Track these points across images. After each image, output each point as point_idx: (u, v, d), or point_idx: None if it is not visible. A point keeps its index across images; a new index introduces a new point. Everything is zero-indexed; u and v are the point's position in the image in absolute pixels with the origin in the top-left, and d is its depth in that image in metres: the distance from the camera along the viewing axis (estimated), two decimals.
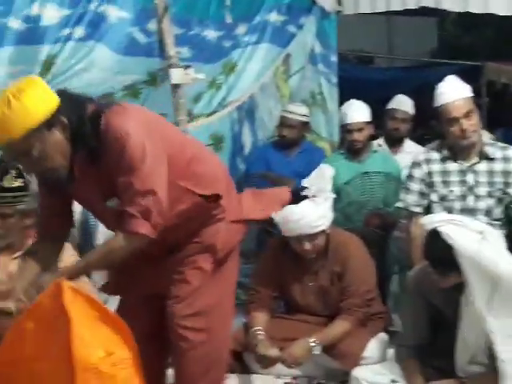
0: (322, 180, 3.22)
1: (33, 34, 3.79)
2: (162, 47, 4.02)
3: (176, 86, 3.99)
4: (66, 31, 3.84)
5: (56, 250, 2.38)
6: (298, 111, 4.59)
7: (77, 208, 2.60)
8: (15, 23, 3.73)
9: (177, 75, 3.95)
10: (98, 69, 3.96)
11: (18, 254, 3.08)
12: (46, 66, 3.84)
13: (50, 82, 3.86)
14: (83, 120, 2.17)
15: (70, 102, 2.19)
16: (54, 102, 2.14)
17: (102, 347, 1.24)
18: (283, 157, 4.60)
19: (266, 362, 3.18)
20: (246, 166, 4.72)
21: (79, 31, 3.88)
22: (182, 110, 4.06)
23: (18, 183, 2.93)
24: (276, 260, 3.40)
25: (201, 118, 4.38)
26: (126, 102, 2.38)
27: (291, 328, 3.34)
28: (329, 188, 3.27)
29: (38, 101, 2.09)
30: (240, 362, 3.38)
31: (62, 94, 2.21)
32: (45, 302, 1.25)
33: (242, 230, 2.55)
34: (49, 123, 2.12)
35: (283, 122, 4.56)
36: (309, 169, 4.48)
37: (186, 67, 4.02)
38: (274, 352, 3.13)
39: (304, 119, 4.61)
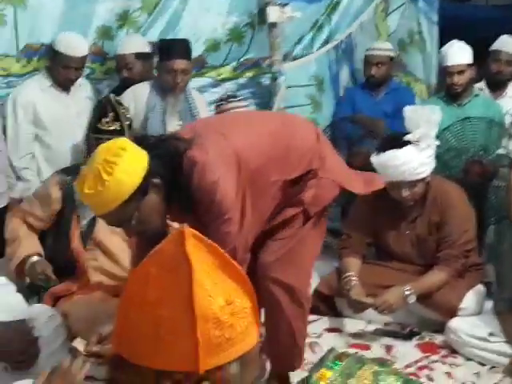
0: (427, 124, 3.09)
1: None
2: None
3: (272, 25, 3.91)
4: None
5: None
6: (384, 47, 4.46)
7: None
8: None
9: (274, 14, 3.87)
10: (200, 9, 3.90)
11: None
12: (147, 4, 3.83)
13: (154, 22, 3.88)
14: (174, 173, 2.13)
15: (158, 155, 2.12)
16: (144, 165, 2.08)
17: (222, 296, 1.23)
18: (370, 98, 4.48)
19: (358, 307, 3.16)
20: (335, 109, 4.61)
21: None
22: (277, 49, 3.99)
23: (114, 126, 2.96)
24: (371, 205, 3.33)
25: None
26: (202, 132, 2.27)
27: (385, 275, 3.30)
28: (434, 134, 3.15)
29: (129, 171, 2.04)
30: (331, 306, 3.39)
31: (146, 145, 2.13)
32: (167, 248, 1.24)
33: (336, 189, 2.51)
34: (143, 190, 2.08)
35: (370, 61, 4.42)
36: (397, 109, 4.38)
37: (284, 5, 3.92)
38: (367, 299, 3.10)
39: (391, 54, 4.48)
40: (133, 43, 3.85)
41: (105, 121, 2.96)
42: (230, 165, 2.20)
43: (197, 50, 3.89)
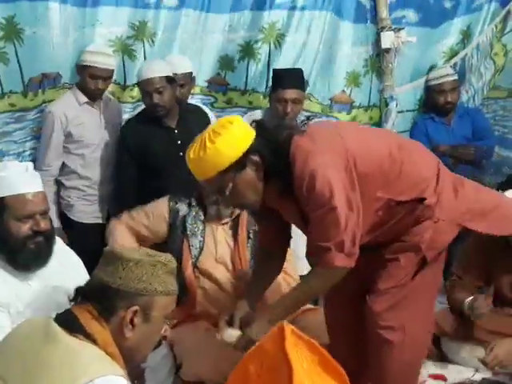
0: None
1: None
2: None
3: (386, 51, 3.84)
4: None
5: (276, 269, 2.51)
6: (451, 71, 4.36)
7: None
8: None
9: (387, 39, 3.79)
10: (334, 41, 3.89)
11: (225, 220, 3.09)
12: (270, 36, 3.82)
13: (278, 54, 3.89)
14: (277, 155, 2.18)
15: (265, 136, 2.20)
16: (247, 142, 2.17)
17: None
18: (444, 126, 4.36)
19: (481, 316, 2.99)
20: None
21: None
22: (390, 75, 3.92)
23: None
24: (485, 248, 3.16)
25: None
26: (320, 129, 2.35)
27: (497, 322, 3.13)
28: None
29: (231, 144, 2.14)
30: (437, 347, 3.25)
31: (259, 126, 2.23)
32: (267, 345, 1.21)
33: (455, 229, 2.40)
34: (240, 164, 2.17)
35: (444, 89, 4.29)
36: (477, 131, 4.27)
37: (398, 30, 3.84)
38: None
39: (457, 77, 4.37)
40: (160, 66, 3.49)
41: None
42: (338, 158, 2.19)
43: (337, 87, 3.93)
